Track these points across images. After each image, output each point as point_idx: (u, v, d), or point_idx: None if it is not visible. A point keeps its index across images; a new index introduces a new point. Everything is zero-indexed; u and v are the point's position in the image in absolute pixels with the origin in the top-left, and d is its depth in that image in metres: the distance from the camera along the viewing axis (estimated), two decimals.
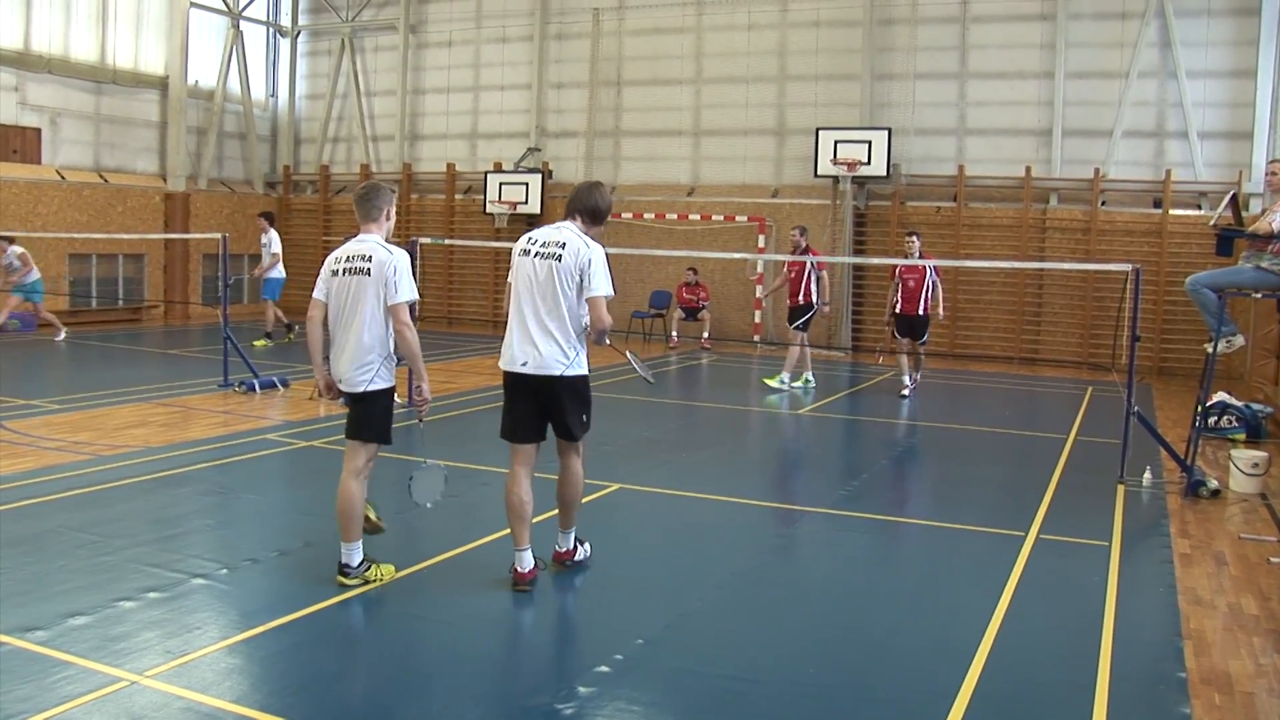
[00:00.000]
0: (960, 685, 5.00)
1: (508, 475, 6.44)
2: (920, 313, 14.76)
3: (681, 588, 6.62)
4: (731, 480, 10.34)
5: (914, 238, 14.85)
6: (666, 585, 6.75)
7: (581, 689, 4.87)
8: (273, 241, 18.57)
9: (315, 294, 6.34)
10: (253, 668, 5.07)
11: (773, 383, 14.30)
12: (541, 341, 6.19)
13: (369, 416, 6.28)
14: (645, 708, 4.81)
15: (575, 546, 6.84)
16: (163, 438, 10.40)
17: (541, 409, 6.37)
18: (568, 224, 6.37)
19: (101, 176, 23.13)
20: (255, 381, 13.39)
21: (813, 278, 14.73)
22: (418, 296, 6.25)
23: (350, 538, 6.23)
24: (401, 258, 6.19)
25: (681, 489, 9.31)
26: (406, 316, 6.14)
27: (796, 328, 15.01)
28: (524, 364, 6.23)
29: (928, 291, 14.67)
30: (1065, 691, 5.06)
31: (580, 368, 6.30)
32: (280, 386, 13.55)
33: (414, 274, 6.38)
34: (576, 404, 6.37)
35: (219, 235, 14.75)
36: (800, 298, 14.92)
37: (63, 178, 22.15)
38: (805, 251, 14.80)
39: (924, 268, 14.49)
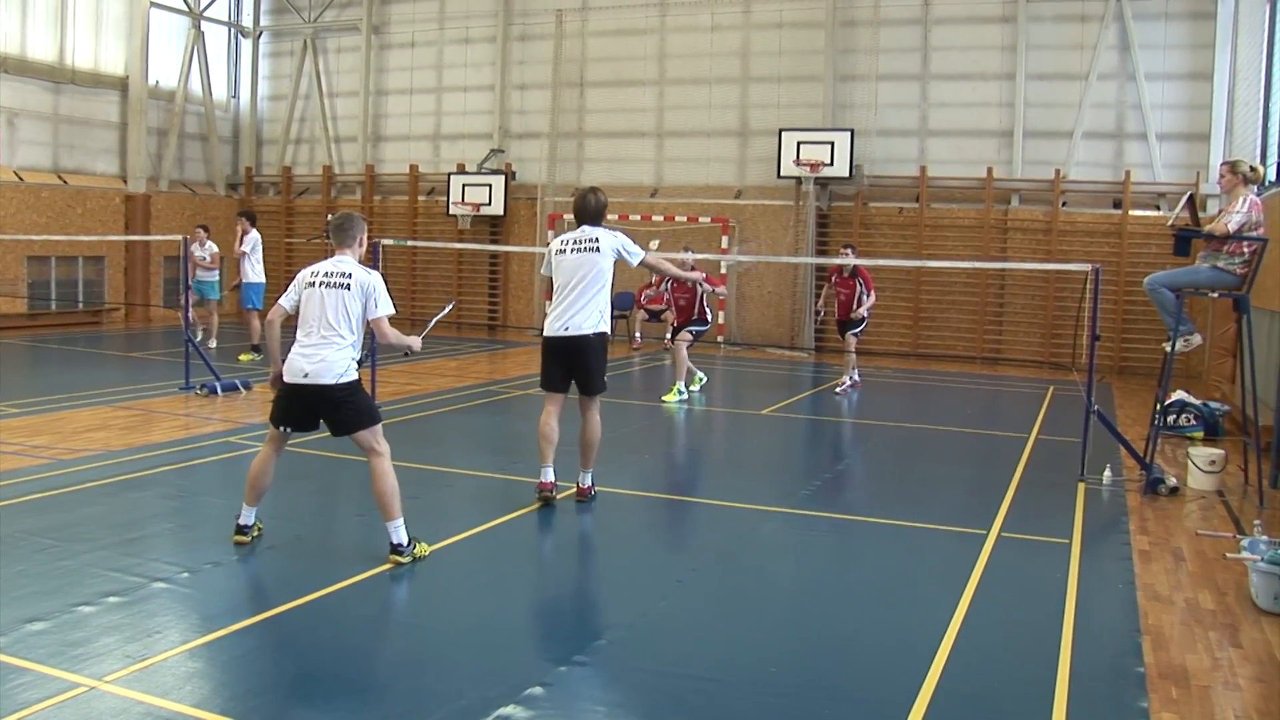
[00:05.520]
0: (923, 682, 5.03)
1: (543, 413, 8.32)
2: (850, 316, 15.38)
3: (645, 588, 6.63)
4: (694, 480, 10.38)
5: (849, 250, 15.56)
6: (630, 585, 6.76)
7: (543, 690, 4.86)
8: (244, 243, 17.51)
9: (283, 301, 6.93)
10: (214, 672, 5.03)
11: (671, 398, 14.03)
12: (580, 315, 8.09)
13: (357, 407, 6.78)
14: (608, 708, 4.81)
15: (592, 485, 8.49)
16: (123, 441, 10.30)
17: (569, 369, 8.23)
18: (589, 227, 8.26)
19: (60, 178, 22.89)
20: (217, 384, 13.29)
21: (703, 294, 14.49)
22: (394, 310, 6.93)
23: (394, 515, 6.71)
24: (378, 278, 6.91)
25: (645, 490, 9.33)
26: (389, 327, 6.86)
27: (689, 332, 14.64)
28: (565, 329, 8.10)
29: (858, 300, 15.20)
30: (1026, 687, 5.10)
31: (605, 332, 8.21)
32: (242, 389, 13.46)
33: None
34: (597, 361, 8.18)
35: (180, 237, 14.64)
36: (695, 312, 14.61)
37: (20, 179, 21.91)
38: (693, 269, 14.46)
39: (855, 284, 15.18)
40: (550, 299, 8.59)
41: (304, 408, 6.77)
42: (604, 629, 5.80)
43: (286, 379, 6.71)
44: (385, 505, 6.69)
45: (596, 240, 8.20)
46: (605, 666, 5.26)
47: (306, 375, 6.61)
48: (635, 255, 8.32)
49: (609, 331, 8.32)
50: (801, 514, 8.48)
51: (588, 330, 8.14)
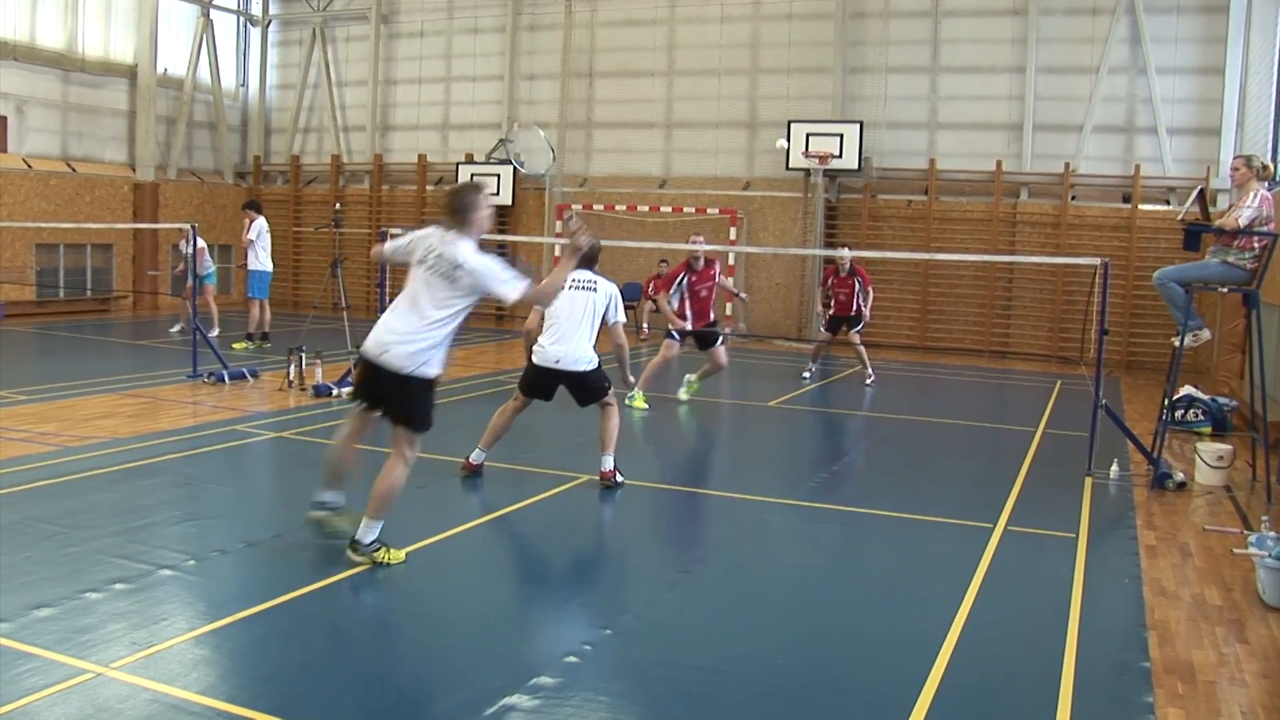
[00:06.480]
0: (928, 675, 5.02)
1: (507, 401, 8.91)
2: (851, 313, 15.66)
3: (651, 578, 6.64)
4: (701, 472, 10.38)
5: (845, 250, 15.83)
6: (636, 576, 6.77)
7: (549, 680, 4.86)
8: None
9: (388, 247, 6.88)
10: (220, 659, 5.05)
11: (686, 392, 13.47)
12: (573, 347, 8.47)
13: (417, 403, 6.50)
14: (613, 699, 4.81)
15: (614, 469, 8.68)
16: (131, 429, 10.32)
17: (556, 388, 8.71)
18: (587, 271, 8.63)
19: (69, 165, 22.91)
20: (224, 372, 13.29)
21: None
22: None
23: (376, 514, 6.40)
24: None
25: (649, 481, 9.32)
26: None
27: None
28: (556, 361, 8.48)
29: (857, 299, 15.54)
30: (1031, 681, 5.09)
31: (595, 364, 8.60)
32: (250, 378, 13.46)
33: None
34: (594, 384, 8.65)
35: (188, 225, 14.65)
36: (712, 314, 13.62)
37: (29, 166, 21.93)
38: (709, 263, 13.46)
39: (854, 283, 15.46)
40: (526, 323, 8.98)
41: (375, 386, 6.47)
42: (610, 619, 5.81)
43: (362, 351, 6.45)
44: (376, 499, 6.35)
45: (595, 283, 8.70)
46: (611, 656, 5.26)
47: (383, 353, 6.32)
48: (616, 316, 8.77)
49: (599, 364, 8.68)
50: (808, 506, 8.47)
51: (580, 368, 8.55)
